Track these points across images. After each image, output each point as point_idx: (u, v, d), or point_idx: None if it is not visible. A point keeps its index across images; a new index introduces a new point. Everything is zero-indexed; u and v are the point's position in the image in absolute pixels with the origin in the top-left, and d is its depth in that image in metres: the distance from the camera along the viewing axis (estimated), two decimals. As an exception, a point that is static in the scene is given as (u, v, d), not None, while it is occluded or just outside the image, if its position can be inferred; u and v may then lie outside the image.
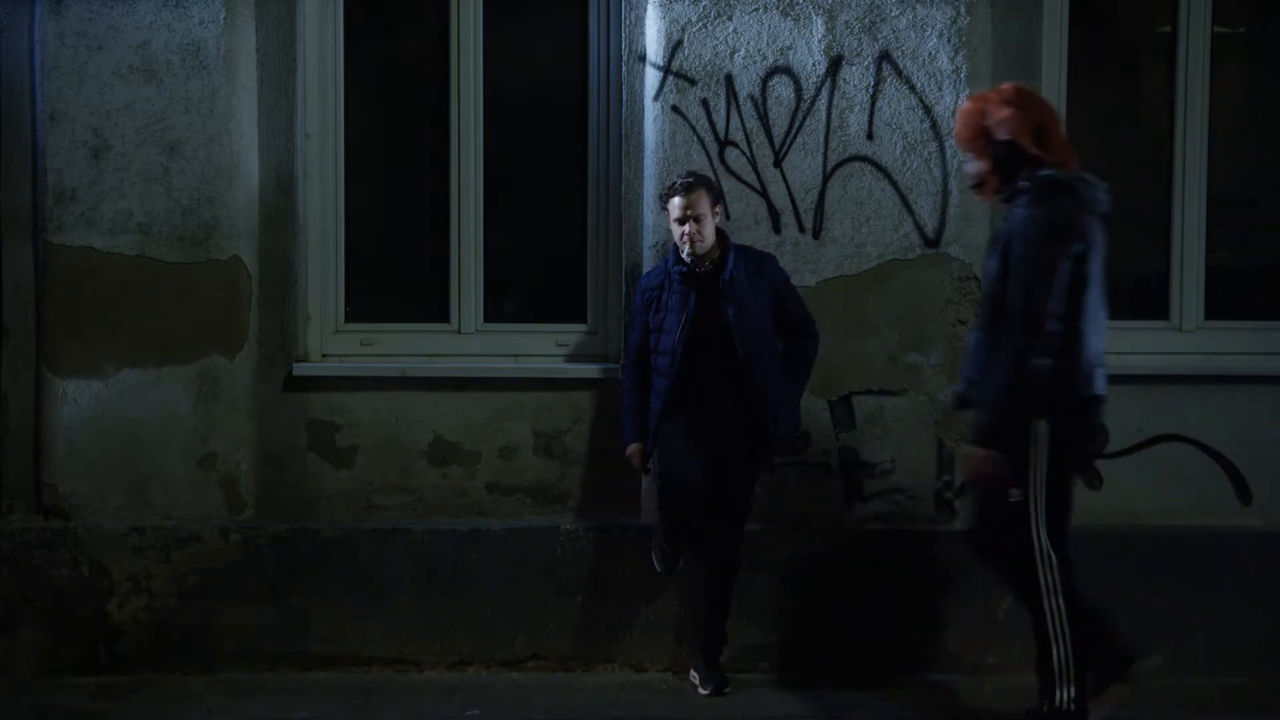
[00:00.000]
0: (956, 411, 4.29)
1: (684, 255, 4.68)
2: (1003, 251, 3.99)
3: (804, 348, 4.79)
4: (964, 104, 4.21)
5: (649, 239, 4.99)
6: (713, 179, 4.80)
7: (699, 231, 4.63)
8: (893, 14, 4.94)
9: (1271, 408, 5.10)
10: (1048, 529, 4.01)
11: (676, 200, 4.64)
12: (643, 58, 5.00)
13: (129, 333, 4.96)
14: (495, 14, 5.19)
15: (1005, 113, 4.02)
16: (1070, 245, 3.92)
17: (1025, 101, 4.06)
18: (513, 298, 5.32)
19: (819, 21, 4.95)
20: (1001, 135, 4.02)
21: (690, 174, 4.73)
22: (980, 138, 4.06)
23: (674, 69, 4.96)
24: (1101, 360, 4.07)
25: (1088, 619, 4.08)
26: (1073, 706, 4.05)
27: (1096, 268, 4.01)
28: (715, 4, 4.95)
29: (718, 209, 4.72)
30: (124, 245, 4.95)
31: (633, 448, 4.80)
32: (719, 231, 4.73)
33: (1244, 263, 5.34)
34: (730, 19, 4.95)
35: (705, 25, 4.96)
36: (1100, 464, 5.05)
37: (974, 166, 4.13)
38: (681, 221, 4.64)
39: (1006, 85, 4.16)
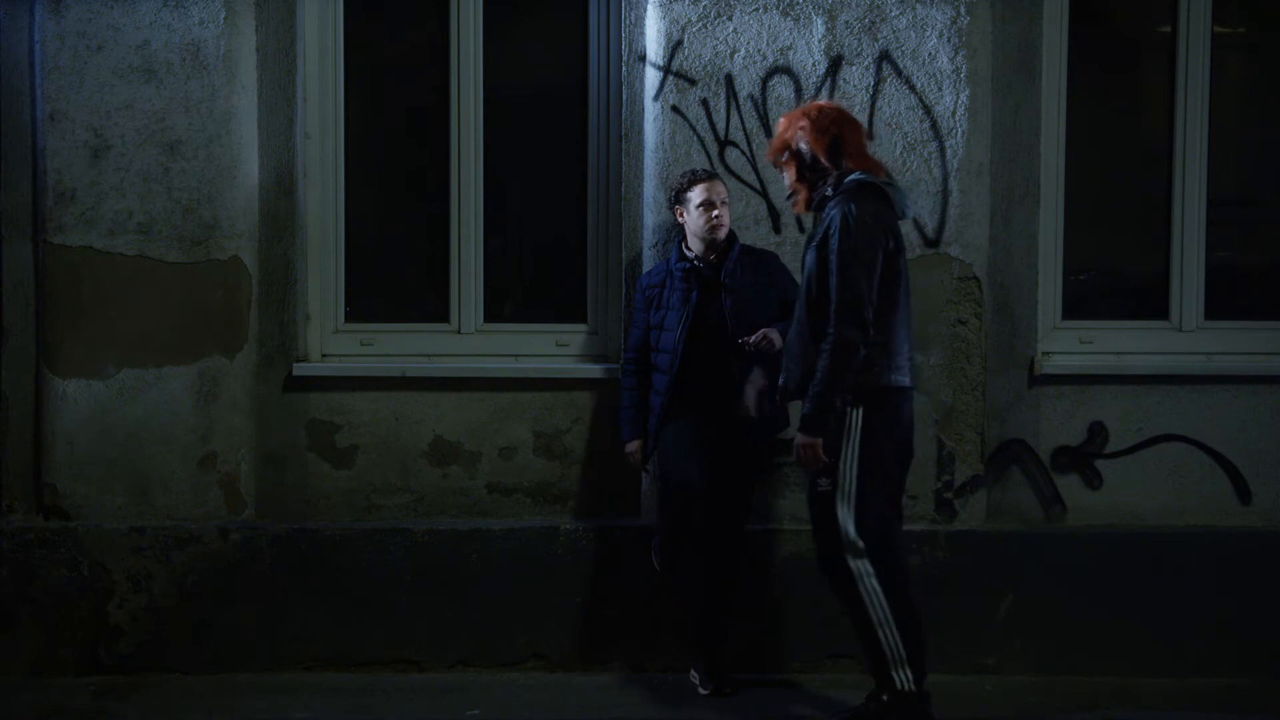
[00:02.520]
0: (786, 403, 4.42)
1: (699, 246, 4.68)
2: (819, 247, 4.14)
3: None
4: (780, 121, 4.38)
5: (649, 239, 5.00)
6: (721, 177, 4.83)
7: (724, 216, 4.68)
8: (893, 14, 4.94)
9: (1271, 408, 5.10)
10: (861, 517, 4.12)
11: (701, 186, 4.67)
12: (643, 58, 5.00)
13: (129, 333, 4.96)
14: (495, 14, 5.19)
15: (802, 124, 4.24)
16: (883, 241, 4.12)
17: (821, 115, 4.27)
18: (513, 298, 5.32)
19: (819, 21, 4.95)
20: (800, 146, 4.25)
21: (707, 167, 4.85)
22: (784, 150, 4.29)
23: (674, 69, 4.96)
24: (910, 354, 4.25)
25: (911, 611, 4.19)
26: (913, 687, 4.15)
27: (904, 265, 4.21)
28: (715, 4, 4.95)
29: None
30: (124, 245, 4.95)
31: (632, 445, 4.80)
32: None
33: (1244, 263, 5.34)
34: (730, 19, 4.95)
35: (705, 25, 4.96)
36: (1100, 464, 5.11)
37: (787, 179, 4.33)
38: (710, 206, 4.65)
39: (816, 103, 4.43)
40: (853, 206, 4.10)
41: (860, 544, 4.13)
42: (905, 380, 4.22)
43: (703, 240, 4.68)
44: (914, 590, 4.26)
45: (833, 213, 4.13)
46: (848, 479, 4.13)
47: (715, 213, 4.65)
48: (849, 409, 4.11)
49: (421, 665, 5.00)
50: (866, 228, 4.08)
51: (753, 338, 4.58)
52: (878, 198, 4.18)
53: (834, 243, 4.08)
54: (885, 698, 4.21)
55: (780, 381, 4.33)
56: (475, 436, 5.11)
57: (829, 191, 4.21)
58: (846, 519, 4.13)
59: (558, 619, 5.01)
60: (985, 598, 5.00)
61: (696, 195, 4.67)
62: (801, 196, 4.30)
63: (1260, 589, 5.00)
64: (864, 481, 4.13)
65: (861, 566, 4.14)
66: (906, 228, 4.95)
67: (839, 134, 4.24)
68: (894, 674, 4.16)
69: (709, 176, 4.70)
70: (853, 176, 4.19)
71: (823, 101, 4.52)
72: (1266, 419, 5.10)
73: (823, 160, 4.22)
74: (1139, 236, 5.33)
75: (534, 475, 5.12)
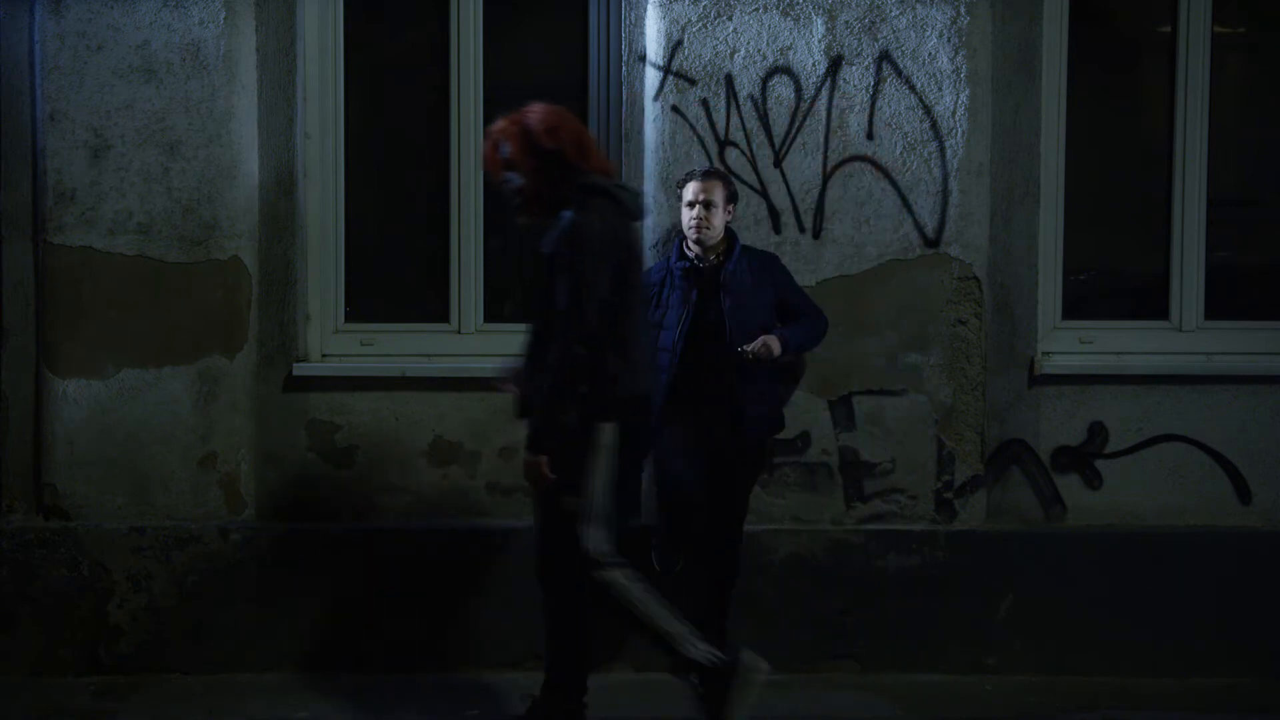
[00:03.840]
0: (518, 420, 4.20)
1: (690, 242, 4.68)
2: (550, 256, 3.95)
3: (811, 322, 4.77)
4: (499, 125, 4.11)
5: (649, 239, 4.99)
6: (731, 179, 4.79)
7: (707, 218, 4.64)
8: (893, 14, 4.94)
9: (1271, 408, 5.11)
10: (606, 529, 4.02)
11: (692, 184, 4.67)
12: (643, 58, 5.00)
13: (129, 333, 4.96)
14: (495, 14, 5.19)
15: (550, 124, 4.02)
16: (615, 249, 3.95)
17: (564, 116, 4.08)
18: (513, 298, 5.32)
19: (819, 21, 4.95)
20: (548, 145, 3.99)
21: (712, 166, 4.82)
22: (527, 151, 4.01)
23: (674, 69, 4.96)
24: (649, 363, 4.13)
25: (579, 628, 4.11)
26: (715, 653, 4.02)
27: (639, 273, 4.08)
28: (715, 4, 4.95)
29: (730, 207, 4.73)
30: (124, 245, 4.95)
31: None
32: (728, 230, 4.74)
33: (1244, 263, 5.34)
34: (730, 19, 4.95)
35: (705, 25, 4.96)
36: (1100, 464, 5.11)
37: (517, 182, 4.05)
38: (691, 206, 4.65)
39: (535, 105, 4.13)
40: (581, 216, 3.91)
41: (604, 555, 4.00)
42: (642, 390, 4.07)
43: (688, 239, 4.69)
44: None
45: (564, 220, 3.94)
46: (595, 493, 3.97)
47: (695, 212, 4.64)
48: (596, 423, 3.93)
49: (422, 665, 5.00)
50: (595, 235, 3.89)
51: (751, 346, 4.58)
52: (609, 202, 3.99)
53: (563, 253, 3.90)
54: (697, 679, 4.09)
55: (518, 396, 4.16)
56: (475, 436, 5.10)
57: (559, 197, 3.98)
58: (593, 535, 3.99)
59: (558, 619, 5.00)
60: (985, 598, 5.00)
61: (686, 193, 4.69)
62: (539, 198, 4.04)
63: (1260, 589, 5.00)
64: (608, 495, 4.00)
65: (611, 575, 4.01)
66: (908, 228, 4.97)
67: (567, 137, 4.02)
68: (689, 649, 4.02)
69: (704, 174, 4.69)
70: (587, 180, 3.99)
71: (545, 104, 4.13)
72: (1266, 419, 5.10)
73: (573, 159, 4.00)
74: (1139, 236, 5.33)
75: (534, 475, 5.12)
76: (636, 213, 4.13)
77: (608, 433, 3.97)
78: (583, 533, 3.98)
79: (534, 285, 4.01)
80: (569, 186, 3.99)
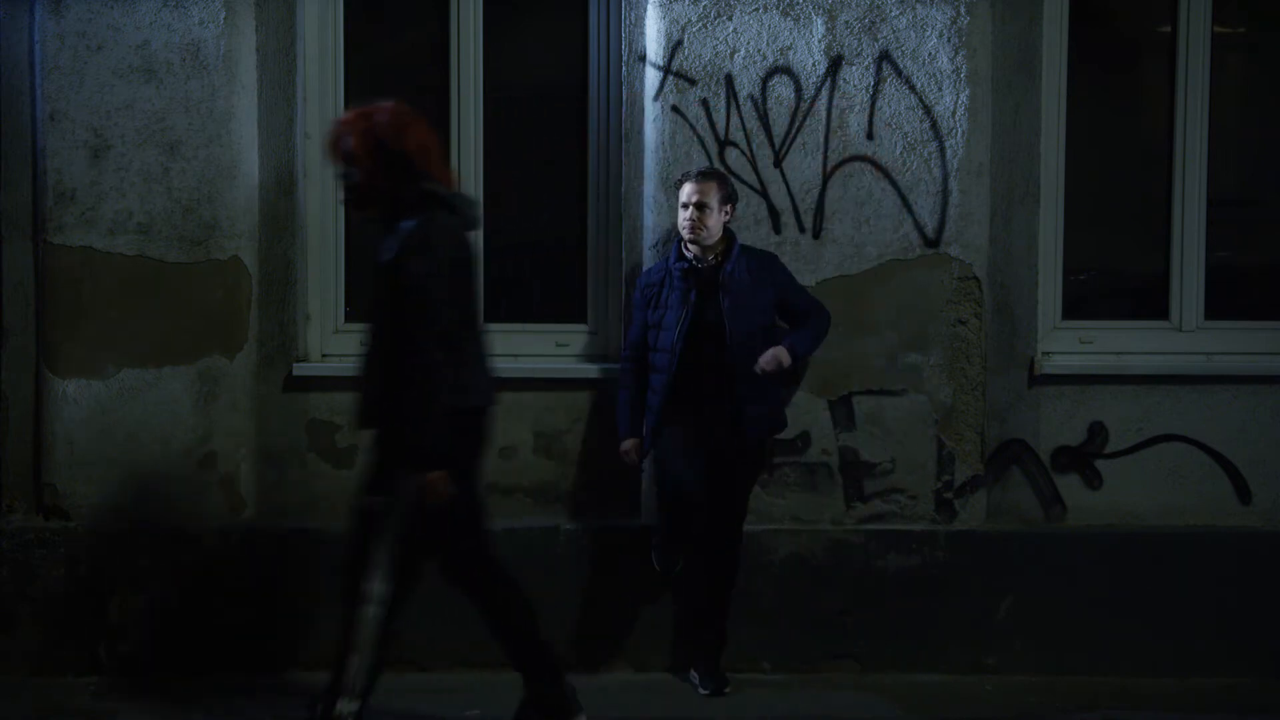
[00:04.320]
0: (360, 431, 4.16)
1: (685, 243, 4.69)
2: (397, 266, 3.86)
3: (814, 322, 4.78)
4: (346, 116, 4.07)
5: (649, 239, 4.99)
6: (729, 180, 4.79)
7: (701, 220, 4.63)
8: (893, 14, 4.94)
9: (1271, 408, 5.11)
10: (393, 542, 3.97)
11: (687, 186, 4.66)
12: (643, 58, 5.00)
13: (129, 333, 4.95)
14: (495, 14, 5.19)
15: (397, 125, 3.95)
16: (456, 256, 3.92)
17: (412, 119, 4.02)
18: (512, 298, 5.32)
19: (819, 21, 4.95)
20: (392, 146, 3.92)
21: (709, 167, 4.78)
22: (369, 149, 3.92)
23: (674, 69, 4.96)
24: (489, 370, 4.08)
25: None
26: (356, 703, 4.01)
27: (477, 280, 4.06)
28: (715, 4, 4.95)
29: (727, 208, 4.72)
30: (124, 245, 4.95)
31: (628, 443, 4.80)
32: (726, 231, 4.73)
33: (1244, 263, 5.34)
34: (730, 19, 4.95)
35: (705, 25, 4.96)
36: (1100, 464, 5.11)
37: (354, 177, 3.97)
38: (686, 207, 4.65)
39: (387, 103, 4.07)
40: (427, 223, 3.87)
41: (385, 569, 3.98)
42: (481, 400, 4.03)
43: (684, 239, 4.69)
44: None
45: (405, 227, 3.87)
46: (403, 504, 3.92)
47: (689, 214, 4.64)
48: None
49: (421, 665, 5.00)
50: (444, 245, 3.87)
51: (763, 361, 4.59)
52: (450, 210, 3.96)
53: (411, 263, 3.82)
54: (320, 710, 4.06)
55: (356, 409, 4.12)
56: (475, 436, 5.10)
57: (407, 199, 3.91)
58: (384, 542, 3.95)
59: (558, 619, 4.99)
60: (985, 598, 5.00)
61: (682, 193, 4.69)
62: (378, 199, 3.96)
63: (1260, 589, 5.00)
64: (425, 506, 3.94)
65: (374, 589, 4.00)
66: (908, 228, 4.97)
67: (412, 140, 3.95)
68: (340, 699, 4.03)
69: (700, 176, 4.67)
70: (427, 188, 3.94)
71: (397, 104, 4.07)
72: (1266, 419, 5.10)
73: (418, 163, 3.94)
74: (1139, 236, 5.33)
75: (534, 475, 5.12)
76: (473, 223, 4.08)
77: (457, 441, 3.92)
78: (378, 538, 3.94)
79: (375, 294, 3.92)
80: (406, 190, 3.92)
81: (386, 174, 3.94)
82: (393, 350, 3.88)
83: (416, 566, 4.16)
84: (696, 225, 4.64)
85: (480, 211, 4.13)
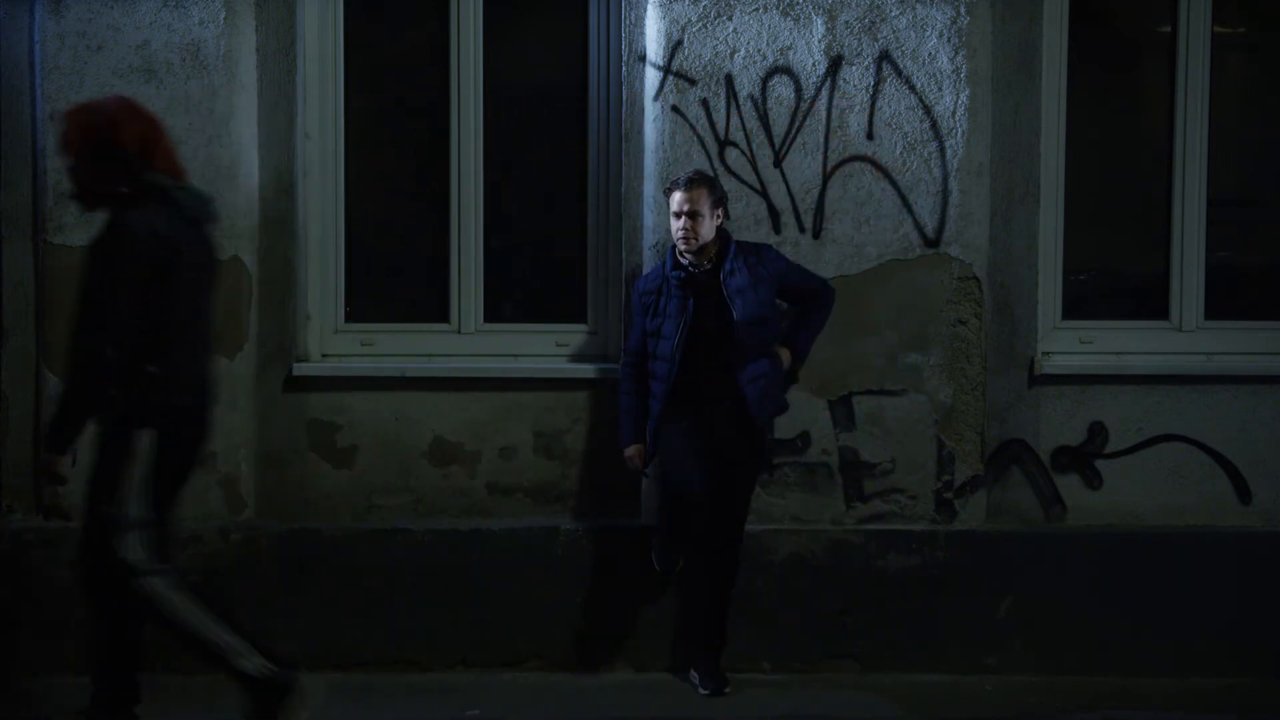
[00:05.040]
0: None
1: (680, 252, 4.69)
2: (91, 248, 3.84)
3: (819, 303, 4.82)
4: (69, 110, 4.03)
5: (649, 239, 4.99)
6: (718, 182, 4.79)
7: (693, 229, 4.62)
8: (893, 14, 4.94)
9: (1271, 408, 5.11)
10: (141, 543, 3.86)
11: (677, 195, 4.64)
12: (643, 58, 5.00)
13: (129, 333, 4.95)
14: (495, 14, 5.19)
15: (116, 119, 3.89)
16: (157, 251, 3.80)
17: (134, 113, 3.96)
18: (513, 298, 5.32)
19: (819, 21, 4.95)
20: (109, 139, 3.86)
21: (696, 172, 4.73)
22: (87, 141, 3.87)
23: (674, 69, 4.96)
24: (197, 372, 4.00)
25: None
26: (269, 666, 3.91)
27: (194, 277, 3.92)
28: (715, 4, 4.95)
29: (719, 211, 4.71)
30: (124, 245, 4.94)
31: (632, 449, 4.80)
32: (720, 231, 4.73)
33: (1244, 263, 5.34)
34: (730, 19, 4.95)
35: (705, 25, 4.96)
36: (1100, 464, 5.11)
37: (76, 171, 3.91)
38: (678, 216, 4.64)
39: (111, 97, 4.08)
40: (125, 213, 3.79)
41: (141, 563, 3.87)
42: (188, 400, 3.93)
43: (678, 251, 4.69)
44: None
45: (116, 219, 3.82)
46: (129, 501, 3.85)
47: (681, 223, 4.63)
48: (133, 430, 3.81)
49: (421, 665, 5.00)
50: (134, 235, 3.76)
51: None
52: (164, 204, 3.85)
53: (97, 251, 3.78)
54: (253, 694, 3.95)
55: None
56: (475, 436, 5.10)
57: (111, 192, 3.85)
58: (128, 543, 3.85)
59: (558, 619, 5.01)
60: (985, 598, 5.00)
61: (673, 203, 4.67)
62: (79, 190, 3.91)
63: (1260, 589, 5.00)
64: (142, 502, 3.86)
65: (151, 584, 3.89)
66: (908, 228, 4.97)
67: (130, 133, 3.87)
68: (241, 663, 3.92)
69: (688, 184, 4.64)
70: (143, 179, 3.85)
71: (121, 97, 4.05)
72: (1266, 419, 5.10)
73: (107, 157, 3.85)
74: (1139, 236, 5.33)
75: (534, 475, 5.12)
76: (200, 216, 3.96)
77: (144, 439, 3.85)
78: (118, 541, 3.85)
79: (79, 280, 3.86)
80: (126, 183, 3.86)
81: (105, 168, 3.86)
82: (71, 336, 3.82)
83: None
84: (690, 235, 4.63)
85: (213, 206, 4.02)
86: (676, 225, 4.65)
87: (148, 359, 3.81)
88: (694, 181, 4.65)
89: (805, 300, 4.80)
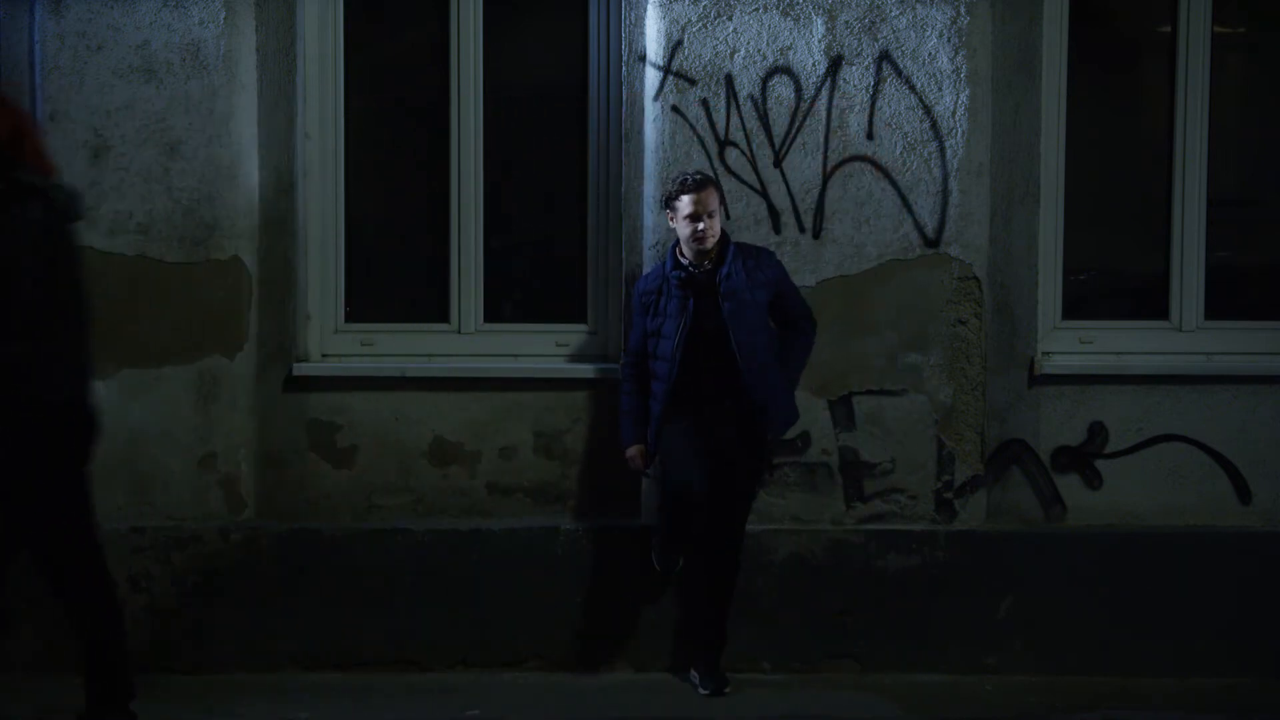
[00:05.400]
0: None
1: (689, 253, 4.67)
2: None
3: (801, 340, 4.79)
4: None
5: (649, 239, 5.00)
6: (718, 181, 4.79)
7: (711, 227, 4.63)
8: (893, 14, 4.94)
9: (1271, 408, 5.11)
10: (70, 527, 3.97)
11: (688, 197, 4.62)
12: (643, 58, 5.00)
13: (129, 333, 4.95)
14: (495, 14, 5.19)
15: None
16: (45, 249, 3.78)
17: (3, 106, 3.90)
18: (513, 298, 5.32)
19: (819, 21, 4.95)
20: None
21: (698, 173, 4.73)
22: None
23: (674, 69, 4.96)
24: (78, 369, 3.98)
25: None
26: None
27: (70, 276, 3.91)
28: (715, 4, 4.95)
29: (722, 207, 4.72)
30: (124, 245, 4.95)
31: (633, 449, 4.80)
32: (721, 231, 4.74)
33: (1244, 263, 5.34)
34: (730, 19, 4.95)
35: (705, 25, 4.96)
36: (1100, 464, 5.11)
37: None
38: (695, 218, 4.62)
39: None
40: (10, 210, 3.74)
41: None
42: (64, 397, 3.91)
43: (690, 250, 4.68)
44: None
45: None
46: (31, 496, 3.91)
47: (700, 225, 4.62)
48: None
49: (421, 665, 5.00)
50: (23, 233, 3.74)
51: None
52: (40, 202, 3.80)
53: None
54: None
55: None
56: (475, 436, 5.10)
57: None
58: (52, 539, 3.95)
59: (558, 619, 5.01)
60: (985, 598, 5.00)
61: (684, 206, 4.64)
62: None
63: (1260, 589, 5.00)
64: (48, 497, 3.93)
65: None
66: (908, 228, 4.97)
67: (18, 128, 3.85)
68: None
69: (698, 185, 4.63)
70: (13, 176, 3.80)
71: None
72: (1266, 419, 5.10)
73: (4, 150, 3.81)
74: (1139, 236, 5.33)
75: (534, 475, 5.12)
76: (72, 214, 3.95)
77: (22, 430, 3.85)
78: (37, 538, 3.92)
79: None
80: None
81: None
82: None
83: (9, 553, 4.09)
84: (709, 234, 4.63)
85: (82, 203, 4.01)
86: (694, 228, 4.62)
87: (32, 358, 3.80)
88: (703, 183, 4.65)
89: (787, 325, 4.78)
